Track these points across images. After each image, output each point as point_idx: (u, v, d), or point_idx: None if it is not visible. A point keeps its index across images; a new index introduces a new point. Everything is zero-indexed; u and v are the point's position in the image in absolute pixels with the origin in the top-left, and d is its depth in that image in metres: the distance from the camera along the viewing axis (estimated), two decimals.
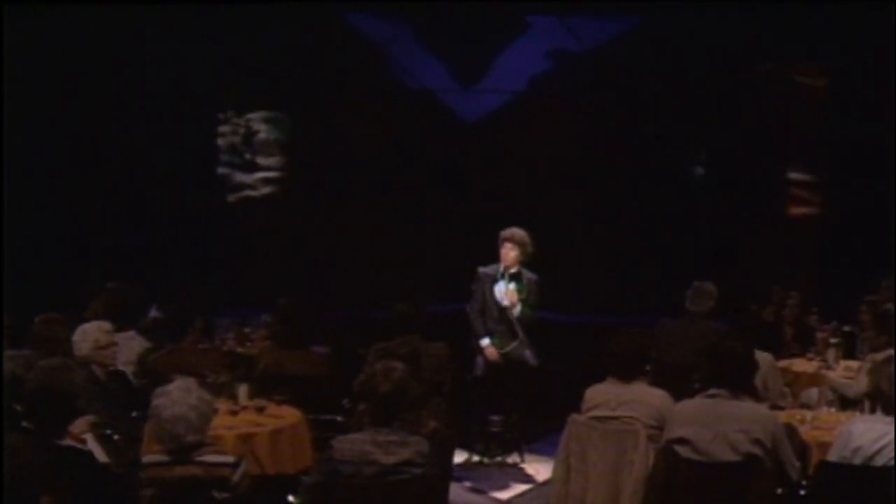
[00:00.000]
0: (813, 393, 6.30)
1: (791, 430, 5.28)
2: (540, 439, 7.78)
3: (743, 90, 11.68)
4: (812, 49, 11.46)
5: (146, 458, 4.23)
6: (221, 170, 12.34)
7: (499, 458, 7.79)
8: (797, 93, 11.85)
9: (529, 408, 7.77)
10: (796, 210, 12.09)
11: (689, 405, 5.07)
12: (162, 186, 11.37)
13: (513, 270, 7.55)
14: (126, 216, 11.28)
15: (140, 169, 11.31)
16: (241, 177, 12.42)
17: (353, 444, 4.42)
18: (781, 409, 6.01)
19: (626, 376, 5.50)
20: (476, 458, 7.77)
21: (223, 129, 12.30)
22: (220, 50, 11.59)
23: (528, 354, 7.59)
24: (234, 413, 5.51)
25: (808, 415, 5.73)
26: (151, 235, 11.36)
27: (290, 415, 5.70)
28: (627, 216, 11.92)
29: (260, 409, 5.61)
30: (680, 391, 5.62)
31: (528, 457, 7.77)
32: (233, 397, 5.81)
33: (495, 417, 7.83)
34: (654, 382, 7.30)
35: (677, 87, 11.67)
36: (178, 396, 4.17)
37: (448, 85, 12.18)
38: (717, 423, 4.84)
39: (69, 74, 10.58)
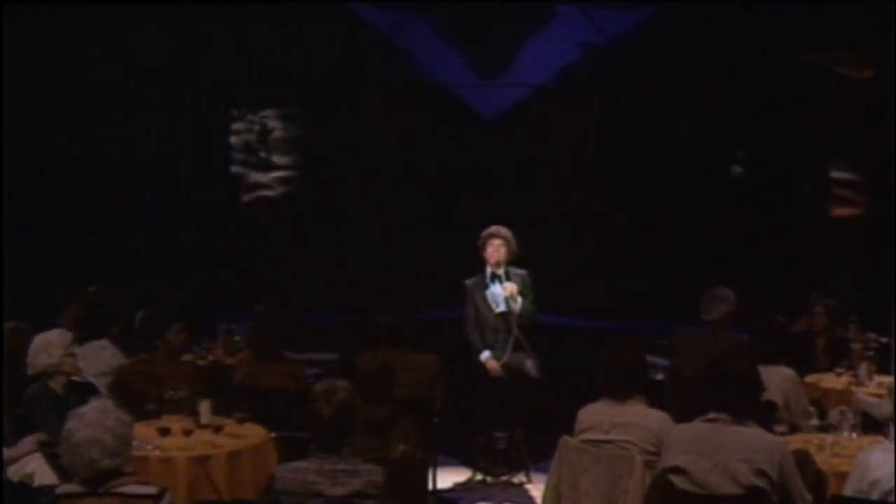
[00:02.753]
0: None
1: (804, 459, 4.72)
2: (550, 456, 7.23)
3: (782, 83, 11.08)
4: (856, 38, 10.82)
5: (59, 489, 3.78)
6: (235, 169, 11.99)
7: (504, 478, 7.35)
8: (841, 85, 11.17)
9: (537, 422, 7.28)
10: (840, 211, 11.49)
11: (686, 430, 4.55)
12: (174, 186, 11.07)
13: (501, 270, 7.24)
14: (136, 217, 10.99)
15: (151, 168, 10.96)
16: (256, 176, 12.07)
17: (297, 474, 3.98)
18: (797, 430, 5.46)
19: (621, 395, 5.00)
20: (479, 477, 7.34)
21: (237, 126, 11.95)
22: (233, 46, 11.28)
23: (529, 365, 7.20)
24: (188, 433, 5.03)
25: (828, 439, 5.14)
26: (162, 237, 11.04)
27: (252, 434, 5.23)
28: (658, 218, 11.36)
29: (217, 429, 5.12)
30: (697, 407, 5.07)
31: (535, 476, 7.26)
32: (195, 414, 5.34)
33: (500, 433, 7.39)
34: (671, 397, 6.89)
35: (711, 79, 11.11)
36: (92, 418, 3.72)
37: (466, 78, 11.72)
38: (717, 452, 4.33)
39: (78, 73, 10.30)
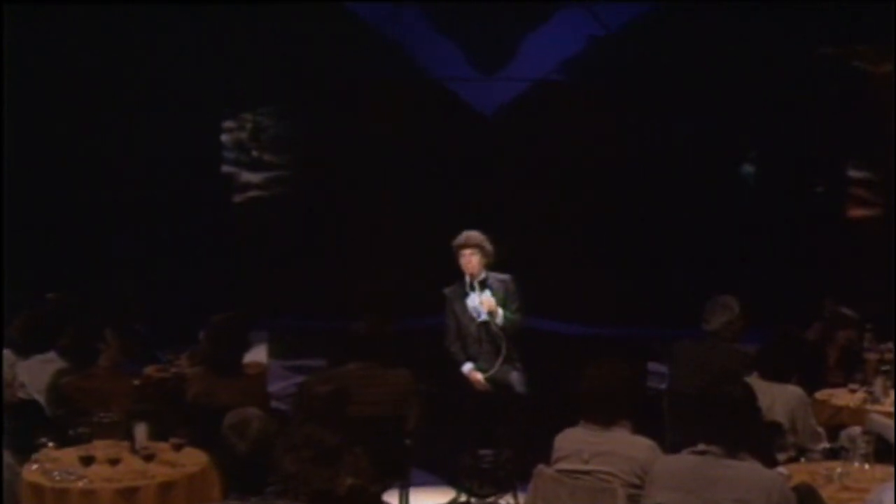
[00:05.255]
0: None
1: (809, 495, 4.21)
2: None
3: (796, 76, 10.72)
4: (874, 31, 10.39)
5: None
6: (227, 168, 11.63)
7: (490, 499, 6.92)
8: (858, 80, 10.83)
9: (526, 440, 6.81)
10: (856, 212, 11.12)
11: (672, 463, 4.05)
12: (163, 187, 10.76)
13: (480, 278, 6.84)
14: (122, 220, 10.69)
15: (141, 168, 10.76)
16: (247, 175, 11.71)
17: None
18: (804, 454, 4.92)
19: (604, 420, 4.48)
20: (463, 498, 6.91)
21: (229, 124, 11.59)
22: (224, 44, 10.96)
23: (515, 377, 6.80)
24: (114, 461, 4.50)
25: (837, 469, 4.59)
26: (149, 239, 10.74)
27: (190, 462, 4.71)
28: (664, 218, 10.93)
29: (149, 457, 4.59)
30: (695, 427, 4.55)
31: (523, 497, 6.70)
32: (131, 439, 4.81)
33: (486, 452, 6.94)
34: (670, 416, 6.38)
35: (721, 73, 10.68)
36: None
37: (464, 73, 11.30)
38: (707, 489, 3.85)
39: (69, 72, 10.17)
